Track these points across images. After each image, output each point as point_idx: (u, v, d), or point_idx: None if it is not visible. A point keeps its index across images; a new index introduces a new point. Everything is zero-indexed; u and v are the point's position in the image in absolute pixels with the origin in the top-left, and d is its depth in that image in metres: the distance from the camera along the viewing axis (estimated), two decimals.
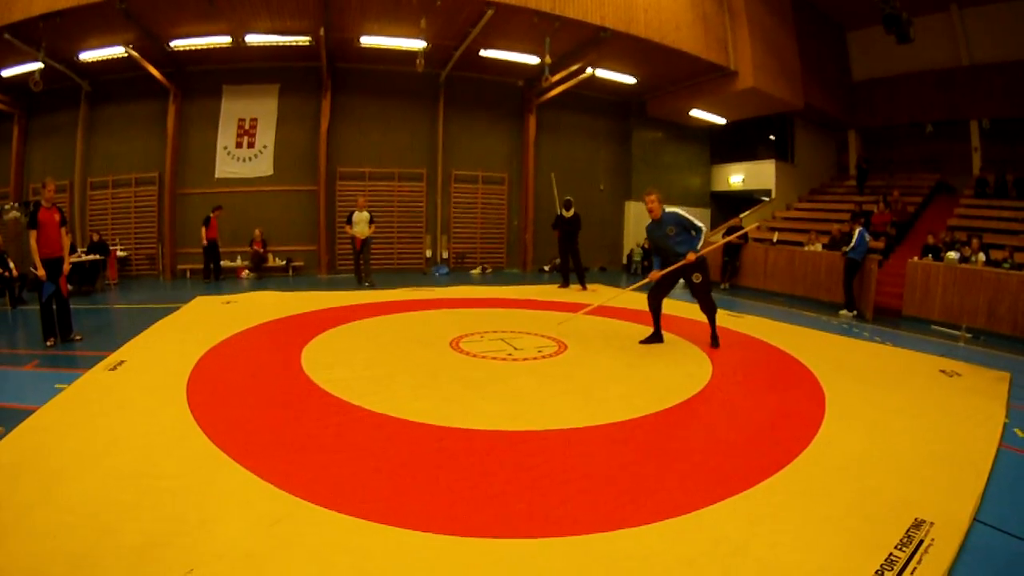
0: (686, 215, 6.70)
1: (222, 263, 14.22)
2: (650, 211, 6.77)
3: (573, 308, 9.53)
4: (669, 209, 6.78)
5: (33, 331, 7.89)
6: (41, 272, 6.67)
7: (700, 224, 6.67)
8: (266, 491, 3.05)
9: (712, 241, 11.68)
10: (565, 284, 12.52)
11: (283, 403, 4.54)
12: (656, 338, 7.06)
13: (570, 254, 12.38)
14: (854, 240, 10.67)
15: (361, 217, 12.76)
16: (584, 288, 12.13)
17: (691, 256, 6.54)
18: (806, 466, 3.58)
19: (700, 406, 4.81)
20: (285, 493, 3.02)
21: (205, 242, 13.46)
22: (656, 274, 6.77)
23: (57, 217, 6.92)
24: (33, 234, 6.67)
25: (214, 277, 13.64)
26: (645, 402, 4.73)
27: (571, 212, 12.21)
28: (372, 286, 12.39)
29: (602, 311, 9.14)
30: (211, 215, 13.52)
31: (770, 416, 4.59)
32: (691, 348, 6.90)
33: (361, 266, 13.03)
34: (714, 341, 6.91)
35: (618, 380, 5.48)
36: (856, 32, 18.78)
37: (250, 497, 2.98)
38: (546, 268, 16.84)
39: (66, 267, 7.01)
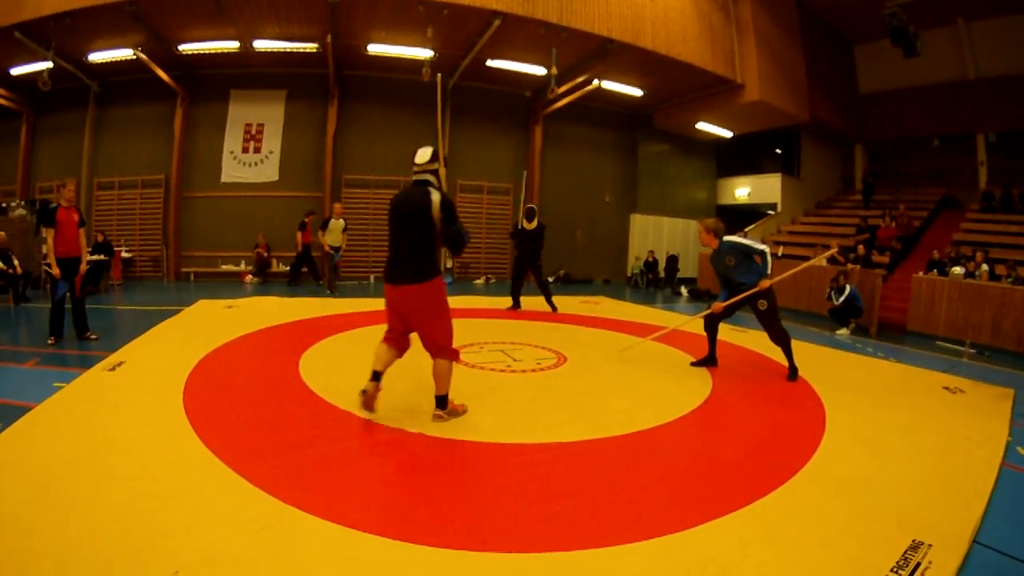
0: (746, 241, 6.29)
1: (225, 267, 14.35)
2: (705, 243, 6.44)
3: (577, 321, 9.51)
4: (727, 238, 6.30)
5: (35, 329, 7.91)
6: (56, 271, 6.68)
7: (763, 247, 6.26)
8: (257, 497, 3.04)
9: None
10: (516, 306, 10.55)
11: (278, 409, 4.53)
12: (710, 361, 6.70)
13: (532, 272, 10.43)
14: (845, 296, 10.42)
15: (336, 225, 12.38)
16: (555, 310, 10.32)
17: (764, 283, 6.12)
18: (803, 485, 3.54)
19: (697, 422, 4.77)
20: (275, 499, 3.00)
21: (300, 248, 13.66)
22: (719, 305, 6.38)
23: (76, 217, 6.93)
24: (51, 232, 6.66)
25: (316, 280, 14.10)
26: (642, 417, 4.68)
27: (534, 223, 10.20)
28: (333, 294, 12.24)
29: (605, 324, 9.12)
30: (305, 220, 13.71)
31: (769, 433, 4.55)
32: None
33: (326, 274, 12.68)
34: (792, 374, 6.30)
35: (616, 394, 5.44)
36: (863, 46, 18.82)
37: (240, 502, 2.97)
38: (550, 279, 16.77)
39: (83, 267, 7.03)
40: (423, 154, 4.23)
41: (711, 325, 6.66)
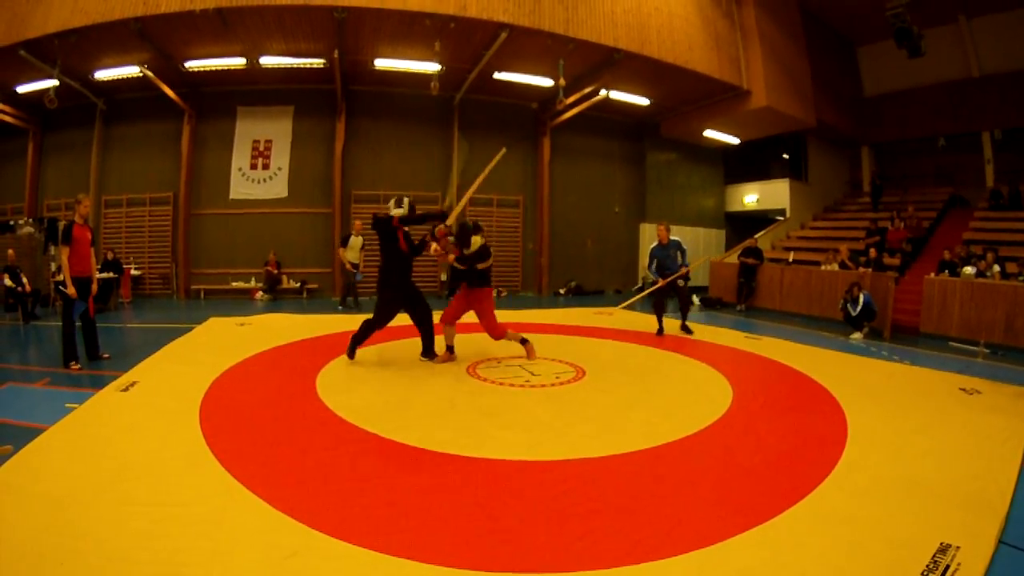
0: (679, 241, 9.36)
1: (235, 284, 14.38)
2: (661, 239, 9.29)
3: (592, 333, 9.46)
4: (673, 238, 9.32)
5: (46, 348, 7.89)
6: (71, 290, 6.44)
7: (684, 247, 9.39)
8: (280, 521, 2.98)
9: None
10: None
11: (297, 429, 4.48)
12: (660, 331, 9.35)
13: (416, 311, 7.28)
14: (860, 307, 10.32)
15: (356, 242, 12.31)
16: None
17: (684, 270, 9.26)
18: (830, 491, 3.50)
19: (721, 433, 4.71)
20: (300, 524, 2.95)
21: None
22: (663, 281, 9.22)
23: (89, 235, 6.78)
24: (66, 250, 6.42)
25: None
26: (666, 429, 4.63)
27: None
28: (358, 308, 12.16)
29: (619, 335, 9.08)
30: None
31: (792, 441, 4.50)
32: (712, 372, 6.81)
33: (347, 290, 12.60)
34: (685, 329, 9.43)
35: (637, 407, 5.38)
36: (866, 47, 18.83)
37: (264, 528, 2.92)
38: (561, 291, 16.87)
39: (94, 287, 6.87)
40: None
41: (659, 304, 9.46)
